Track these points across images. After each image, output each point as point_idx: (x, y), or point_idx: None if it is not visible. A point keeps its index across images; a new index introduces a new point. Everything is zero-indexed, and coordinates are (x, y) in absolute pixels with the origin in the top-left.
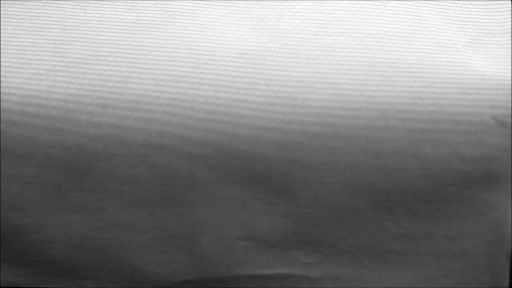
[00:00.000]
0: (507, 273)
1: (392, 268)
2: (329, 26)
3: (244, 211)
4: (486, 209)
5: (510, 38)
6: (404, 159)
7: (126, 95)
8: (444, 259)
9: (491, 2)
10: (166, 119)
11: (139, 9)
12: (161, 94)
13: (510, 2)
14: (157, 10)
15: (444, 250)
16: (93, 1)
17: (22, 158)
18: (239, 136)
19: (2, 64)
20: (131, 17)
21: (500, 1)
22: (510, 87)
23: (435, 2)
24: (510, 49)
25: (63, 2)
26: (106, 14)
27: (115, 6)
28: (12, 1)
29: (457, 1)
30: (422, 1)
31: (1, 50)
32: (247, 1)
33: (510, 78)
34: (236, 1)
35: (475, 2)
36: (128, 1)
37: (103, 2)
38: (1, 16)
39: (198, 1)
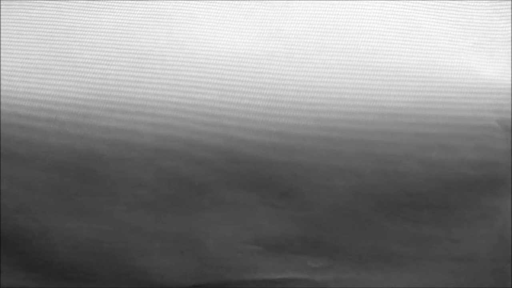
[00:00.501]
0: (510, 275)
1: (398, 272)
2: (333, 30)
3: (250, 215)
4: (491, 213)
5: None
6: (408, 163)
7: (133, 99)
8: (448, 263)
9: (495, 7)
10: (172, 124)
11: (146, 15)
12: (168, 98)
13: None
14: (164, 16)
15: (449, 254)
16: (100, 6)
17: (30, 162)
18: (245, 140)
19: (10, 69)
20: (138, 22)
21: (504, 5)
22: None
23: (438, 6)
24: None
25: (70, 6)
26: (114, 18)
27: (122, 11)
28: (19, 7)
29: (460, 5)
30: (425, 5)
31: (10, 55)
32: (253, 6)
33: None
34: (242, 6)
35: (478, 6)
36: (137, 4)
37: (111, 7)
38: (9, 21)
39: (204, 7)
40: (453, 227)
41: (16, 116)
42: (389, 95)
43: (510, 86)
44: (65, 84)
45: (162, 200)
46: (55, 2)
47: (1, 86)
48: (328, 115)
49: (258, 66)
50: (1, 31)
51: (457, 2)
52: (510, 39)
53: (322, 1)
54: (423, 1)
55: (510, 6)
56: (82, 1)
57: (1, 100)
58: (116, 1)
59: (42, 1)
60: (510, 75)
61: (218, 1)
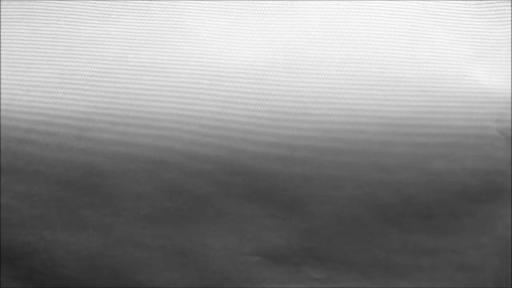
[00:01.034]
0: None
1: (400, 282)
2: (334, 41)
3: (252, 226)
4: (494, 222)
5: None
6: (410, 173)
7: (134, 112)
8: (451, 272)
9: (497, 15)
10: (173, 136)
11: (146, 26)
12: (168, 110)
13: None
14: (164, 27)
15: (451, 263)
16: (101, 19)
17: (31, 175)
18: (246, 151)
19: (11, 82)
20: (137, 34)
21: (505, 13)
22: None
23: (440, 16)
24: None
25: (70, 20)
26: (114, 30)
27: (121, 23)
28: (19, 20)
29: (463, 13)
30: (428, 14)
31: (10, 69)
32: (253, 17)
33: None
34: (242, 18)
35: (481, 14)
36: (136, 17)
37: (112, 20)
38: (9, 35)
39: (204, 19)
40: (455, 237)
41: (17, 130)
42: (390, 105)
43: (511, 95)
44: (65, 97)
45: (163, 212)
46: (55, 15)
47: (2, 99)
48: (329, 126)
49: (259, 77)
50: (2, 44)
51: (459, 10)
52: (511, 47)
53: (322, 12)
54: (425, 10)
55: (511, 14)
56: (82, 15)
57: (2, 113)
58: (117, 14)
59: (43, 14)
60: (511, 84)
61: (218, 13)
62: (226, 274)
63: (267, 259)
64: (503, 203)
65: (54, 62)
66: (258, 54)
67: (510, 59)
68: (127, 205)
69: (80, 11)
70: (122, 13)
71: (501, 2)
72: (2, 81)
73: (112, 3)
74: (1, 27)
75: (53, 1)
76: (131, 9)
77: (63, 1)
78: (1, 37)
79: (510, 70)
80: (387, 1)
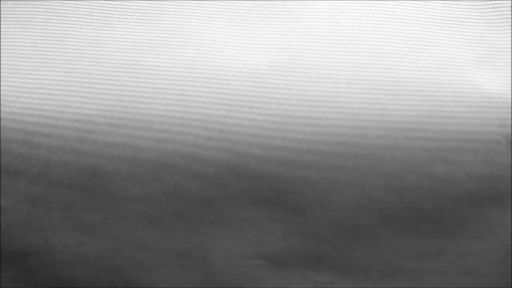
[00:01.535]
0: None
1: (403, 286)
2: (338, 45)
3: (256, 229)
4: (497, 227)
5: None
6: (413, 177)
7: (138, 114)
8: (454, 277)
9: (500, 20)
10: (178, 139)
11: (150, 30)
12: (173, 113)
13: None
14: (169, 31)
15: (455, 268)
16: (105, 22)
17: (34, 177)
18: (250, 155)
19: (15, 84)
20: (142, 37)
21: (508, 19)
22: None
23: (443, 20)
24: None
25: (74, 23)
26: (117, 33)
27: (126, 26)
28: (22, 22)
29: (466, 18)
30: (430, 19)
31: (13, 71)
32: (258, 22)
33: None
34: (247, 22)
35: (483, 20)
36: (139, 21)
37: (116, 23)
38: (13, 37)
39: (210, 23)
40: (458, 241)
41: (21, 132)
42: (394, 109)
43: None
44: (69, 100)
45: (167, 215)
46: (58, 18)
47: (6, 101)
48: (333, 130)
49: (265, 80)
50: (5, 46)
51: (463, 15)
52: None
53: (327, 17)
54: (428, 15)
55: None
56: (86, 18)
57: (6, 115)
58: (121, 17)
59: (46, 17)
60: None
61: (223, 18)
62: (230, 277)
63: (270, 263)
64: (506, 208)
65: (58, 64)
66: (263, 58)
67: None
68: (130, 207)
69: (83, 14)
70: (126, 16)
71: (504, 7)
72: (5, 83)
73: (117, 5)
74: (4, 29)
75: (56, 3)
76: (136, 12)
77: (66, 4)
78: (4, 39)
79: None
80: (391, 6)
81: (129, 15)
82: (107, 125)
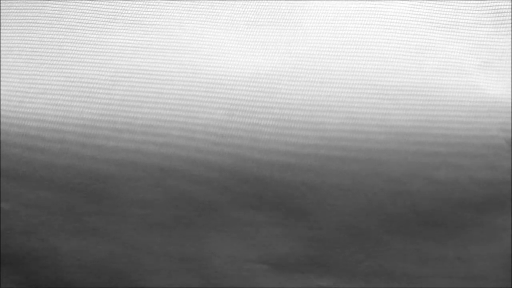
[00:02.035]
0: None
1: None
2: (339, 49)
3: (258, 234)
4: (499, 232)
5: None
6: (416, 182)
7: (140, 119)
8: (456, 281)
9: (502, 25)
10: (180, 143)
11: (152, 34)
12: (175, 118)
13: None
14: (170, 35)
15: (457, 272)
16: (107, 27)
17: (37, 182)
18: (253, 159)
19: (17, 89)
20: (144, 42)
21: (509, 23)
22: None
23: (444, 24)
24: None
25: (77, 27)
26: (120, 38)
27: (127, 31)
28: (25, 27)
29: (468, 23)
30: (432, 24)
31: (16, 76)
32: (260, 28)
33: None
34: (249, 28)
35: (484, 24)
36: (141, 26)
37: (118, 28)
38: (15, 42)
39: (212, 27)
40: (461, 246)
41: (23, 137)
42: (397, 114)
43: None
44: (72, 105)
45: (169, 219)
46: (61, 23)
47: (8, 106)
48: (336, 134)
49: (267, 85)
50: (8, 51)
51: (465, 19)
52: None
53: (328, 22)
54: (431, 19)
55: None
56: (88, 23)
57: (8, 120)
58: (123, 22)
59: (49, 22)
60: None
61: (225, 24)
62: (232, 281)
63: (273, 267)
64: (508, 212)
65: (60, 69)
66: (264, 62)
67: None
68: (133, 212)
69: (86, 19)
70: (128, 21)
71: (506, 11)
72: (8, 88)
73: (118, 10)
74: (5, 34)
75: (56, 8)
76: (137, 17)
77: (67, 9)
78: (7, 44)
79: None
80: (392, 10)
81: (130, 20)
82: (109, 130)
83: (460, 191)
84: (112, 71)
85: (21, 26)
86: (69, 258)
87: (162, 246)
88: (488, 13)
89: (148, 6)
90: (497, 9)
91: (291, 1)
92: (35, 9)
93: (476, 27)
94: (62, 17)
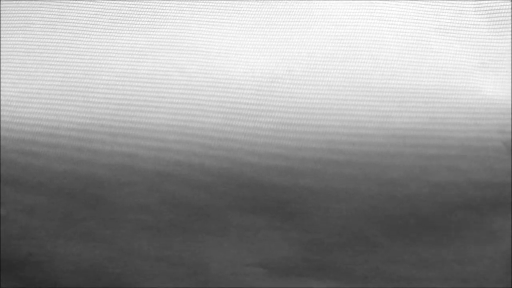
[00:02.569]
0: None
1: None
2: (337, 51)
3: (256, 238)
4: (498, 234)
5: None
6: (415, 185)
7: (136, 123)
8: (455, 284)
9: (500, 25)
10: (177, 148)
11: (148, 37)
12: (171, 122)
13: None
14: (167, 38)
15: (456, 275)
16: (104, 31)
17: (33, 187)
18: (251, 163)
19: (12, 94)
20: (140, 45)
21: (507, 24)
22: None
23: (443, 26)
24: None
25: (72, 32)
26: (116, 42)
27: (123, 34)
28: (20, 31)
29: (468, 24)
30: (431, 25)
31: (11, 80)
32: (257, 30)
33: None
34: (246, 30)
35: (483, 25)
36: (137, 29)
37: (114, 32)
38: (10, 45)
39: (209, 31)
40: (460, 249)
41: (19, 141)
42: (395, 116)
43: None
44: (67, 109)
45: (166, 224)
46: (57, 27)
47: (3, 111)
48: (334, 138)
49: (264, 88)
50: (3, 55)
51: (463, 20)
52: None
53: (326, 25)
54: (429, 21)
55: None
56: (84, 27)
57: (3, 125)
58: (119, 26)
59: (44, 25)
60: None
61: (222, 26)
62: (230, 286)
63: (270, 271)
64: (507, 214)
65: (56, 73)
66: (262, 65)
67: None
68: (129, 216)
69: (82, 23)
70: (125, 25)
71: (505, 12)
72: (3, 92)
73: (115, 13)
74: (3, 37)
75: (53, 11)
76: (133, 20)
77: (63, 12)
78: (2, 47)
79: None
80: (390, 12)
81: (126, 23)
82: (105, 134)
83: (459, 194)
84: (108, 75)
85: (15, 28)
86: (66, 263)
87: (159, 250)
88: (487, 14)
89: (145, 9)
90: (497, 10)
91: (290, 4)
92: (31, 11)
93: (475, 28)
94: (57, 21)
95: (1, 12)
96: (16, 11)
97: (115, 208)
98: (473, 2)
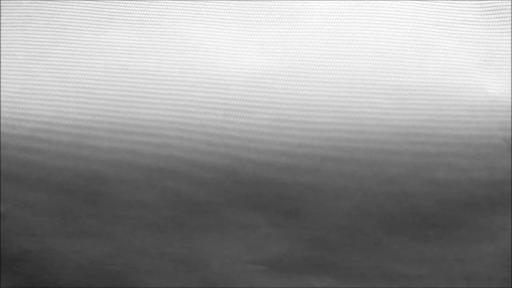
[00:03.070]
0: None
1: None
2: (338, 48)
3: (255, 235)
4: (498, 232)
5: None
6: (415, 183)
7: (136, 120)
8: (455, 282)
9: (501, 23)
10: (176, 144)
11: (147, 34)
12: (171, 118)
13: None
14: (166, 35)
15: (456, 273)
16: (102, 27)
17: (32, 183)
18: (249, 160)
19: (12, 90)
20: (139, 42)
21: (509, 22)
22: None
23: (444, 23)
24: None
25: (70, 28)
26: (115, 38)
27: (123, 30)
28: (20, 28)
29: (469, 22)
30: (432, 22)
31: (11, 76)
32: (256, 27)
33: None
34: (246, 27)
35: (484, 22)
36: (137, 26)
37: (113, 28)
38: (10, 42)
39: (208, 27)
40: (460, 247)
41: (18, 138)
42: (395, 113)
43: None
44: (67, 105)
45: (165, 220)
46: (56, 23)
47: (3, 107)
48: (334, 134)
49: (264, 85)
50: (2, 52)
51: (464, 18)
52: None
53: (328, 19)
54: (430, 18)
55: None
56: (83, 23)
57: (3, 121)
58: (118, 22)
59: (43, 22)
60: None
61: (221, 23)
62: (229, 282)
63: (270, 268)
64: (507, 212)
65: (55, 69)
66: (262, 62)
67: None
68: (129, 213)
69: (79, 18)
70: (123, 21)
71: (506, 9)
72: (3, 88)
73: (114, 9)
74: (2, 34)
75: (52, 8)
76: (133, 16)
77: (62, 8)
78: (2, 44)
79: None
80: (391, 9)
81: (126, 20)
82: (105, 130)
83: (459, 191)
84: (107, 71)
85: (14, 26)
86: (66, 260)
87: (159, 247)
88: (489, 12)
89: (142, 6)
90: (498, 8)
91: (288, 0)
92: (29, 9)
93: (476, 26)
94: (56, 17)
95: (1, 9)
96: (16, 9)
97: (114, 204)
98: (475, 0)
